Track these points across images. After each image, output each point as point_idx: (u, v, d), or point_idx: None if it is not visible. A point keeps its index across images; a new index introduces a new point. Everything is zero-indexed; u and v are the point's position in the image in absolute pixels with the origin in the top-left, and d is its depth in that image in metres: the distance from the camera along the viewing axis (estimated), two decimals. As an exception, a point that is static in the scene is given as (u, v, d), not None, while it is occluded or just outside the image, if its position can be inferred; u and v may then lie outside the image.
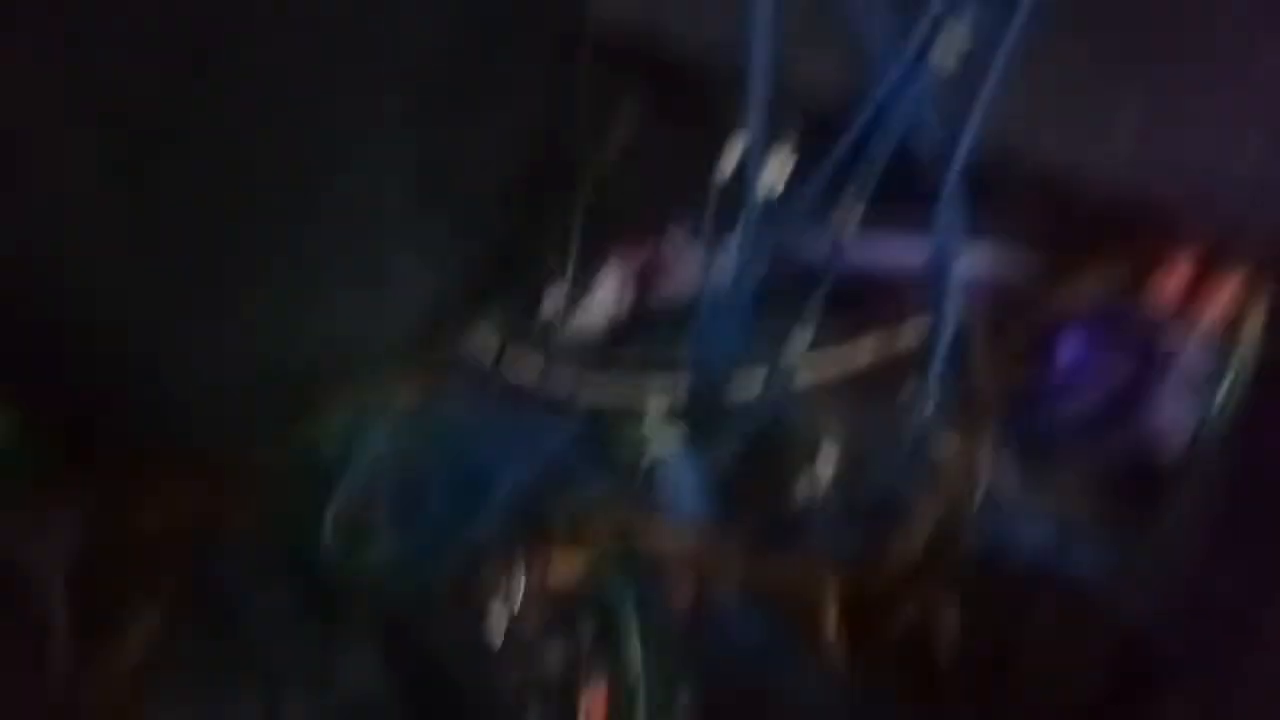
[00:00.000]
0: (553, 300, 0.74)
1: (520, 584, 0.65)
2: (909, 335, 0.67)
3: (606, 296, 0.75)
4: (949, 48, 0.59)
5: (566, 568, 0.65)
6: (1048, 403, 0.67)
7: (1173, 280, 0.65)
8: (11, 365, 0.67)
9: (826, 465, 0.66)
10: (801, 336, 0.67)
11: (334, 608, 0.70)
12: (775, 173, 0.63)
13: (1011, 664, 0.60)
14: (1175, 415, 0.66)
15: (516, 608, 0.65)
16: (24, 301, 0.66)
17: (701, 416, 0.67)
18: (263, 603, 0.71)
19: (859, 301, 0.68)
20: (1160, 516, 0.62)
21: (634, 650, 0.59)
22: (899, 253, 0.68)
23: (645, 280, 0.76)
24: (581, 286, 0.74)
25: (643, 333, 0.74)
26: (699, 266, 0.73)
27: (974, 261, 0.64)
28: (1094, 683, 0.58)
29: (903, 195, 0.60)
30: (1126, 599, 0.59)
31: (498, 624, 0.65)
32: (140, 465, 0.72)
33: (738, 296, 0.66)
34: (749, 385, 0.68)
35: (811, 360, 0.68)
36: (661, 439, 0.66)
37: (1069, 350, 0.67)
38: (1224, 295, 0.64)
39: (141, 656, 0.65)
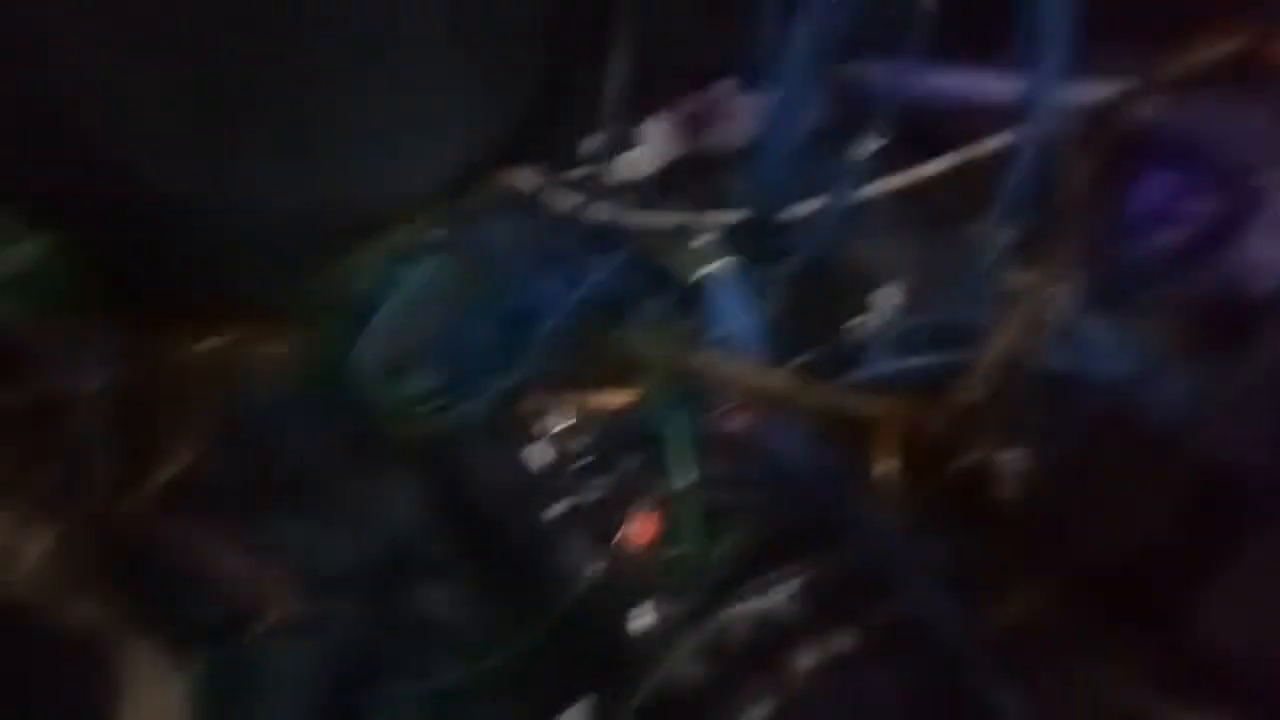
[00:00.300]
0: (598, 139, 0.70)
1: (563, 414, 0.63)
2: (986, 157, 0.62)
3: (655, 142, 0.71)
4: None
5: (612, 397, 0.63)
6: (1134, 233, 0.62)
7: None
8: (53, 191, 0.66)
9: (891, 294, 0.62)
10: (867, 153, 0.62)
11: (373, 442, 0.69)
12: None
13: (1082, 503, 0.57)
14: (1266, 251, 0.61)
15: (559, 438, 0.63)
16: (66, 131, 0.64)
17: (757, 239, 0.64)
18: (300, 436, 0.70)
19: (932, 123, 0.63)
20: (1248, 352, 0.58)
21: (682, 475, 0.57)
22: (979, 80, 0.64)
23: (694, 128, 0.72)
24: (630, 125, 0.70)
25: (693, 174, 0.71)
26: (751, 114, 0.69)
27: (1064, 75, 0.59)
28: (1173, 522, 0.54)
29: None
30: (1210, 436, 0.55)
31: (540, 455, 0.63)
32: (179, 297, 0.70)
33: (801, 97, 0.61)
34: (809, 209, 0.64)
35: (878, 183, 0.64)
36: (714, 264, 0.62)
37: (1159, 181, 0.63)
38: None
39: (179, 481, 0.64)
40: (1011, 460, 0.59)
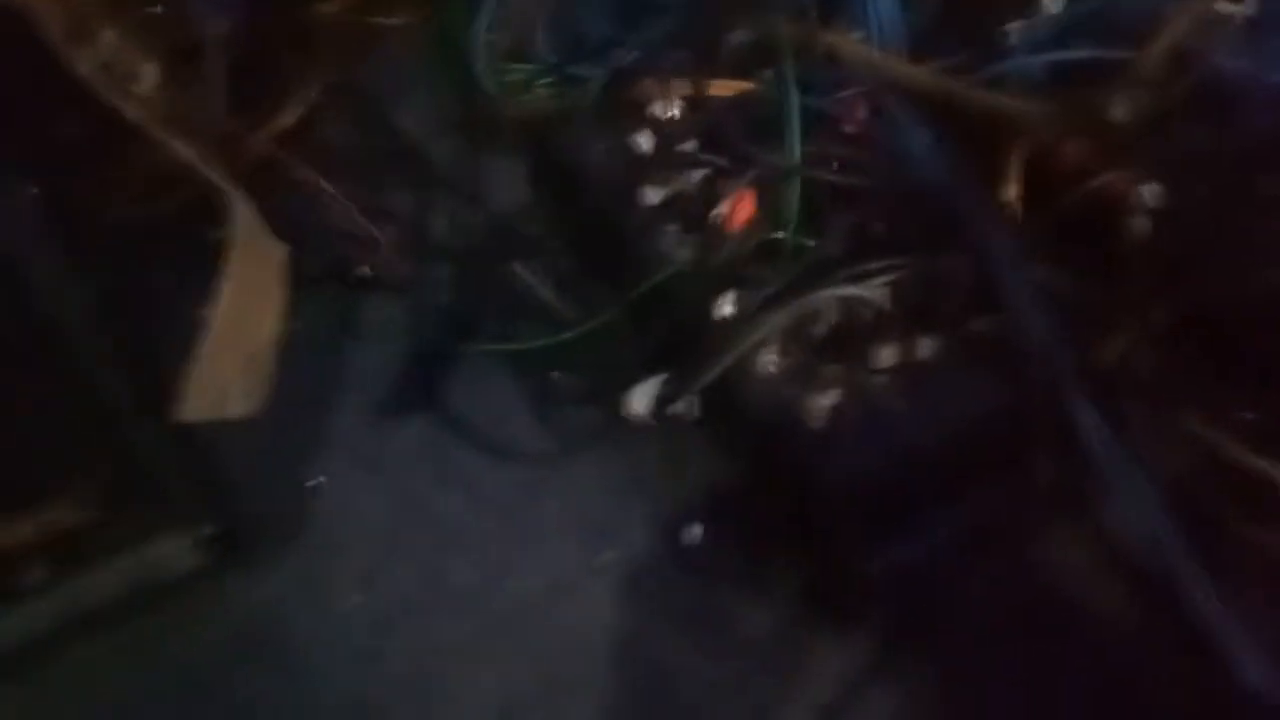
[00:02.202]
0: None
1: (673, 102, 0.60)
2: None
3: None
4: None
5: (725, 85, 0.59)
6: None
7: None
8: None
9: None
10: None
11: (483, 122, 0.68)
12: None
13: (1211, 247, 0.51)
14: None
15: (666, 124, 0.60)
16: None
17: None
18: (413, 111, 0.70)
19: None
20: None
21: (789, 153, 0.53)
22: None
23: None
24: None
25: None
26: None
27: None
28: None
29: None
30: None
31: (646, 141, 0.61)
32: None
33: None
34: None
35: None
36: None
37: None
38: None
39: (296, 128, 0.65)
40: (1146, 193, 0.53)
